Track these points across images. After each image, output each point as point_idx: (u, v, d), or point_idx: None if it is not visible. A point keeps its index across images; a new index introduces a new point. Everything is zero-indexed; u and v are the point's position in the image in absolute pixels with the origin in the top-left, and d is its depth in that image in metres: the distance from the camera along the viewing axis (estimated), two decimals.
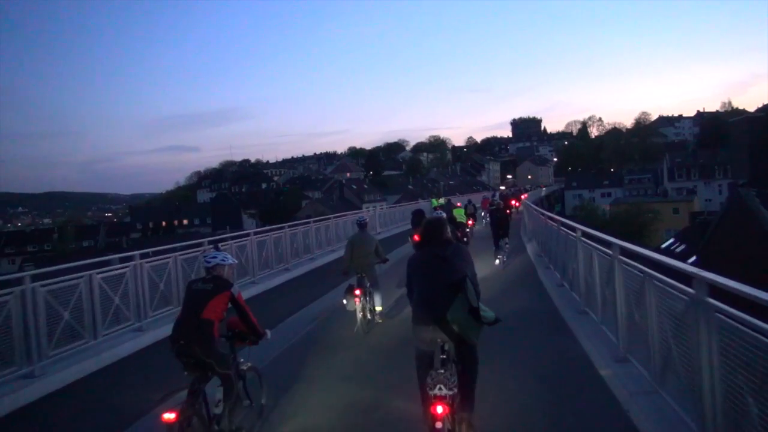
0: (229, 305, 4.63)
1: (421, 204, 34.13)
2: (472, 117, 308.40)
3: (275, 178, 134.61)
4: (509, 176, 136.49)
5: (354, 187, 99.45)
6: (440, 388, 3.91)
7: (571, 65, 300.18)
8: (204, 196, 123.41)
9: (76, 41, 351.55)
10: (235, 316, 4.80)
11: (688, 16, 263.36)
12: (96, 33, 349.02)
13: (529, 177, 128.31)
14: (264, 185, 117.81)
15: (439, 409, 3.85)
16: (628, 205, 68.24)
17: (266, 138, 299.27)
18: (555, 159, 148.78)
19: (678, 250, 37.15)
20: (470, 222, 21.06)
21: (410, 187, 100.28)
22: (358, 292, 8.54)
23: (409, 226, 12.95)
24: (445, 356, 4.13)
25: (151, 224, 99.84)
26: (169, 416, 3.95)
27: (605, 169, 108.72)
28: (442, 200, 31.59)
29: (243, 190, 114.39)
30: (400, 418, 5.04)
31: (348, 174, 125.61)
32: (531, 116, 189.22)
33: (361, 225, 9.62)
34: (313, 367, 6.95)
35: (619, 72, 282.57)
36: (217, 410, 4.45)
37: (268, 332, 5.03)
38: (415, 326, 4.20)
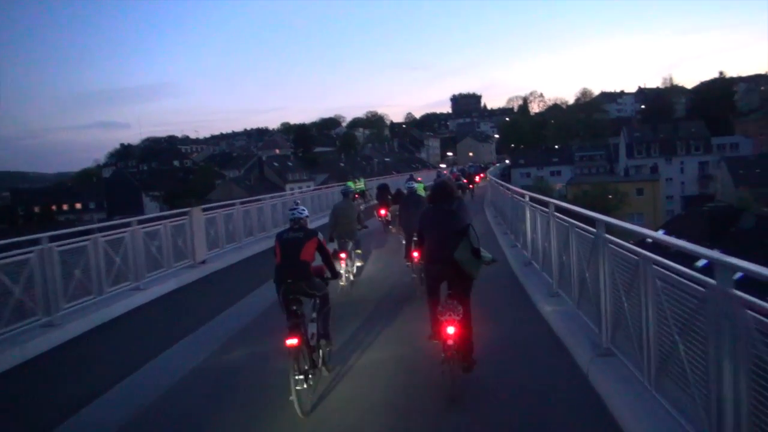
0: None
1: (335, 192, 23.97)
2: (412, 95, 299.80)
3: (193, 155, 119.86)
4: (449, 153, 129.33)
5: (276, 164, 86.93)
6: (449, 315, 5.01)
7: (511, 42, 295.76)
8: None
9: None
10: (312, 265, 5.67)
11: None
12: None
13: (471, 154, 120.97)
14: (176, 163, 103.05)
15: (450, 330, 4.96)
16: (589, 185, 60.11)
17: (199, 115, 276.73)
18: (497, 135, 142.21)
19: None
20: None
21: (342, 164, 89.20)
22: (343, 255, 9.57)
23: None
24: (450, 291, 5.28)
25: (36, 209, 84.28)
26: (292, 341, 4.94)
27: (551, 146, 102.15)
28: (361, 183, 22.14)
29: (145, 168, 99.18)
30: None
31: (277, 150, 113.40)
32: (471, 92, 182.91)
33: (345, 194, 10.90)
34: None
35: (558, 48, 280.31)
36: (313, 342, 5.41)
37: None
38: (427, 265, 5.51)
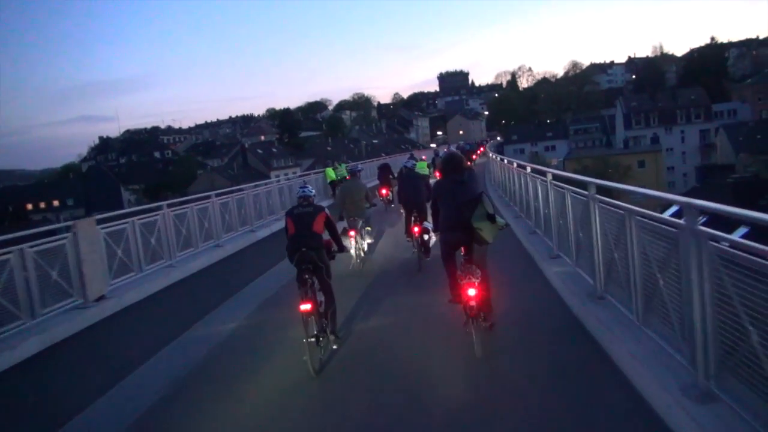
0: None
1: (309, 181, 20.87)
2: (398, 75, 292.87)
3: (176, 146, 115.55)
4: (439, 132, 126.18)
5: (260, 151, 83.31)
6: (469, 278, 5.27)
7: (496, 16, 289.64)
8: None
9: None
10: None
11: None
12: None
13: (461, 132, 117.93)
14: (157, 154, 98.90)
15: (471, 291, 5.25)
16: (589, 159, 57.26)
17: (183, 104, 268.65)
18: (486, 112, 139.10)
19: None
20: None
21: (329, 148, 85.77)
22: (352, 233, 9.75)
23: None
24: (466, 256, 5.51)
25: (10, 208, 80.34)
26: (306, 307, 5.37)
27: (543, 121, 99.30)
28: (342, 169, 19.47)
29: (123, 161, 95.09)
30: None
31: (262, 137, 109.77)
32: (458, 70, 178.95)
33: (354, 173, 11.40)
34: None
35: (545, 20, 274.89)
36: (321, 309, 5.71)
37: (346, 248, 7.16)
38: (444, 233, 5.75)
